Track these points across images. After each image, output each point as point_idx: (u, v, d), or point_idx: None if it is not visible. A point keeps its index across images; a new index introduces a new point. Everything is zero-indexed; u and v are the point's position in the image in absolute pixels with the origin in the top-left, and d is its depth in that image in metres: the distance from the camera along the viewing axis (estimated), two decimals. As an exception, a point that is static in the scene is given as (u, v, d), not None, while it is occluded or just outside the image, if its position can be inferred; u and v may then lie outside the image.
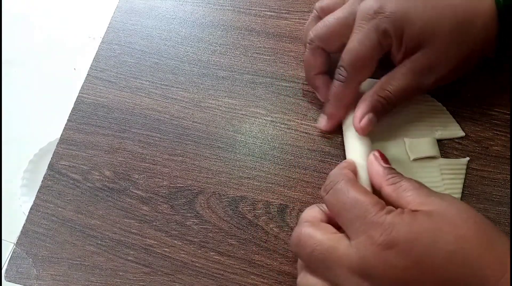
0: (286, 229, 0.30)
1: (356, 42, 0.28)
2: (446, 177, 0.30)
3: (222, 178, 0.32)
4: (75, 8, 1.24)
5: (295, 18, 0.37)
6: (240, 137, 0.33)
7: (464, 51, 0.28)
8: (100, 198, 0.32)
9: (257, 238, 0.30)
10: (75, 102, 0.35)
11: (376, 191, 0.26)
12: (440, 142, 0.31)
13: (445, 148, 0.31)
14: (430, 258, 0.20)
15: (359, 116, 0.29)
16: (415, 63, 0.28)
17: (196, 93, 0.35)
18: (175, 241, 0.31)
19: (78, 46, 1.18)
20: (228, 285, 0.29)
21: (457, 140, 0.32)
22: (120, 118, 0.35)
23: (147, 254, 0.30)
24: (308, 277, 0.24)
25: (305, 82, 0.35)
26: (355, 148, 0.29)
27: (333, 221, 0.25)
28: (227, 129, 0.33)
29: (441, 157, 0.31)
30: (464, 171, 0.31)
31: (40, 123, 1.08)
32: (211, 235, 0.31)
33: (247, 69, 0.36)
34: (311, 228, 0.24)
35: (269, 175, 0.32)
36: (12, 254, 0.31)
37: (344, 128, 0.31)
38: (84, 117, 0.35)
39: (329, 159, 0.32)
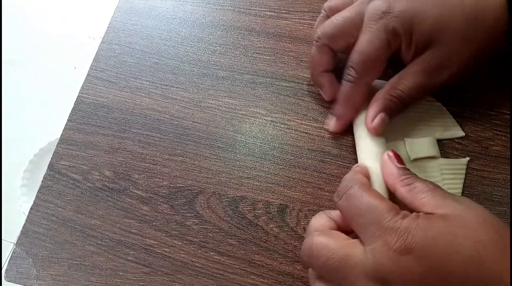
0: (286, 229, 0.30)
1: (365, 42, 0.28)
2: (446, 177, 0.30)
3: (222, 178, 0.32)
4: (75, 8, 1.24)
5: (295, 18, 0.37)
6: (240, 137, 0.33)
7: (475, 48, 0.27)
8: (100, 198, 0.32)
9: (257, 238, 0.30)
10: (75, 102, 0.35)
11: (390, 192, 0.26)
12: (440, 142, 0.31)
13: (445, 148, 0.31)
14: (447, 263, 0.20)
15: (371, 115, 0.29)
16: (426, 61, 0.28)
17: (196, 93, 0.35)
18: (175, 241, 0.31)
19: (78, 46, 1.18)
20: (228, 285, 0.29)
21: (457, 140, 0.32)
22: (120, 118, 0.35)
23: (147, 254, 0.30)
24: None
25: (305, 82, 0.35)
26: (367, 148, 0.28)
27: (341, 228, 0.25)
28: (227, 129, 0.33)
29: (441, 157, 0.31)
30: (464, 171, 0.31)
31: (40, 123, 1.08)
32: (211, 235, 0.31)
33: (247, 69, 0.36)
34: (323, 237, 0.24)
35: (269, 175, 0.32)
36: (12, 254, 0.31)
37: (355, 129, 0.31)
38: (84, 117, 0.35)
39: (329, 159, 0.32)
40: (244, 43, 0.37)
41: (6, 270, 0.31)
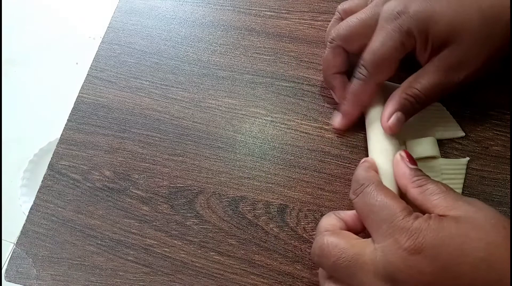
0: (286, 229, 0.30)
1: (378, 42, 0.28)
2: (446, 177, 0.30)
3: (222, 178, 0.32)
4: (75, 8, 1.25)
5: (295, 18, 0.37)
6: (240, 137, 0.33)
7: (492, 46, 0.27)
8: (100, 198, 0.32)
9: (257, 238, 0.30)
10: (75, 102, 0.35)
11: (399, 190, 0.26)
12: (440, 142, 0.31)
13: (445, 148, 0.31)
14: (458, 264, 0.20)
15: (387, 114, 0.28)
16: (444, 60, 0.28)
17: (196, 93, 0.35)
18: (175, 241, 0.31)
19: (78, 46, 1.18)
20: (228, 285, 0.29)
21: (457, 140, 0.32)
22: (120, 118, 0.35)
23: (147, 254, 0.30)
24: None
25: (305, 82, 0.35)
26: (378, 145, 0.29)
27: (351, 228, 0.25)
28: (227, 129, 0.33)
29: (441, 157, 0.31)
30: (464, 171, 0.31)
31: (40, 123, 1.08)
32: (211, 235, 0.31)
33: (247, 69, 0.36)
34: (334, 236, 0.24)
35: (269, 175, 0.32)
36: (12, 254, 0.31)
37: (367, 125, 0.31)
38: (84, 117, 0.35)
39: (329, 159, 0.32)
40: (244, 43, 0.37)
41: (6, 270, 0.31)
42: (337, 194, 0.31)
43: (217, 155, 0.33)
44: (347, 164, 0.32)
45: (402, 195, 0.26)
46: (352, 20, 0.30)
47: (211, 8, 0.38)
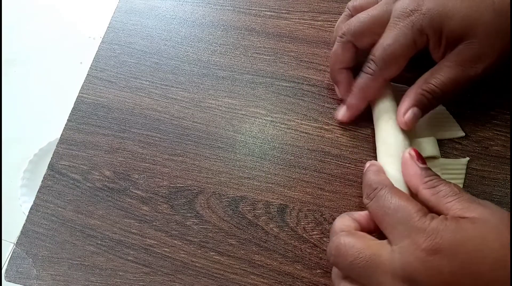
0: (286, 229, 0.30)
1: (390, 38, 0.28)
2: (446, 177, 0.30)
3: (222, 178, 0.32)
4: (76, 8, 1.25)
5: (295, 18, 0.37)
6: (240, 137, 0.33)
7: (506, 38, 0.27)
8: (100, 198, 0.32)
9: (257, 238, 0.30)
10: (75, 102, 0.35)
11: (411, 192, 0.26)
12: (440, 142, 0.31)
13: (445, 148, 0.31)
14: (476, 265, 0.20)
15: (403, 110, 0.28)
16: (460, 55, 0.28)
17: (196, 93, 0.35)
18: (175, 241, 0.31)
19: (78, 46, 1.18)
20: (228, 285, 0.29)
21: (457, 140, 0.32)
22: (120, 118, 0.35)
23: (147, 254, 0.30)
24: None
25: (305, 82, 0.35)
26: (387, 141, 0.29)
27: (365, 229, 0.26)
28: (227, 129, 0.33)
29: (441, 157, 0.31)
30: (464, 171, 0.31)
31: (40, 123, 1.08)
32: (211, 235, 0.31)
33: (247, 69, 0.36)
34: (350, 237, 0.24)
35: (269, 175, 0.32)
36: (12, 254, 0.31)
37: (375, 119, 0.31)
38: (84, 117, 0.35)
39: (329, 159, 0.32)
40: (244, 43, 0.37)
41: (6, 270, 0.31)
42: (337, 194, 0.31)
43: (217, 155, 0.33)
44: (347, 164, 0.32)
45: (412, 194, 0.26)
46: (363, 16, 0.30)
47: (211, 8, 0.38)
